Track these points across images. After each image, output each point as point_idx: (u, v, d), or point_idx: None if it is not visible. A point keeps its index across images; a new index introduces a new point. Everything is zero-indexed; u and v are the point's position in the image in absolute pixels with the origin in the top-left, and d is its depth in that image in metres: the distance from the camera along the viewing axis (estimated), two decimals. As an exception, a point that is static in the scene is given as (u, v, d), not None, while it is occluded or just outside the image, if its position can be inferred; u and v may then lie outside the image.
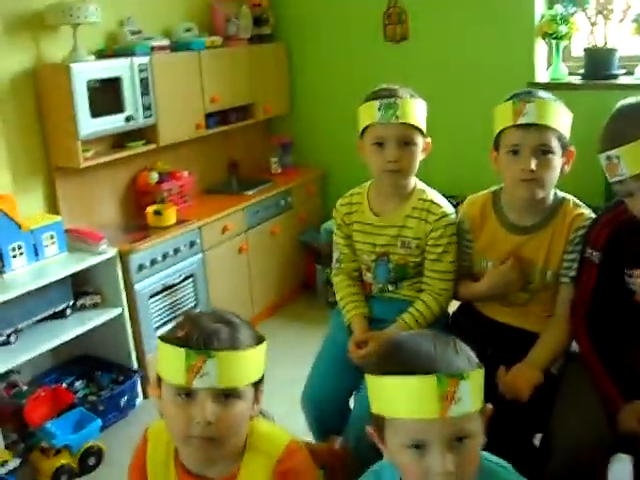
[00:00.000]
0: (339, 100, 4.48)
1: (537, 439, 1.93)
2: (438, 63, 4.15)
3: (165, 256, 3.47)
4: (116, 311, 3.27)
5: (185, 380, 1.26)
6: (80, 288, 3.29)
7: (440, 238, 2.07)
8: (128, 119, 3.41)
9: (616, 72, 3.81)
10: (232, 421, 1.30)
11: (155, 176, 3.74)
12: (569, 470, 1.68)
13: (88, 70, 3.21)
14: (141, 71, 3.45)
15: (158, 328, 3.48)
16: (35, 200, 3.35)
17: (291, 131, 4.74)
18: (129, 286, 3.31)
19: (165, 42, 3.72)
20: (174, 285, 3.56)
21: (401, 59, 4.23)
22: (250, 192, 4.12)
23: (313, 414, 2.16)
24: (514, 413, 1.72)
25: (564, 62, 3.96)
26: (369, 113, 2.06)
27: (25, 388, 3.01)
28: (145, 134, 3.62)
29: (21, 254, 3.04)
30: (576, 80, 3.89)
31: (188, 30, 3.96)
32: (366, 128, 2.10)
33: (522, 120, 1.84)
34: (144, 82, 3.47)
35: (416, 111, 2.06)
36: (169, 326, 3.47)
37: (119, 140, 3.57)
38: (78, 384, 3.31)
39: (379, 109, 2.03)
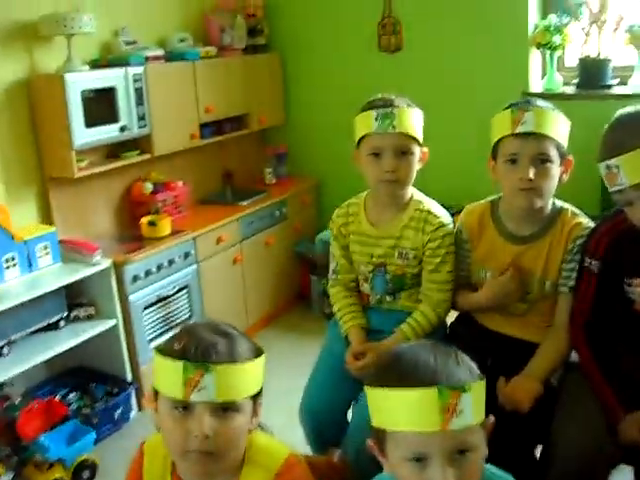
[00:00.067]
0: (334, 110, 4.48)
1: (537, 450, 1.92)
2: (432, 73, 4.16)
3: (159, 267, 3.44)
4: (110, 322, 3.25)
5: (182, 394, 1.24)
6: (74, 299, 3.26)
7: (438, 248, 2.05)
8: (122, 129, 3.40)
9: (610, 82, 3.82)
10: (230, 435, 1.28)
11: (149, 186, 3.73)
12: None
13: (82, 80, 3.20)
14: (135, 81, 3.44)
15: (152, 340, 3.45)
16: (29, 210, 3.33)
17: (286, 141, 4.73)
18: (123, 297, 3.29)
19: (160, 52, 3.71)
20: (168, 296, 3.54)
21: (395, 69, 4.23)
22: (245, 202, 4.10)
23: (311, 426, 2.14)
24: (514, 424, 1.71)
25: (558, 72, 3.97)
26: (366, 123, 2.05)
27: (18, 401, 2.97)
28: (139, 144, 3.60)
29: (14, 265, 3.02)
30: (570, 90, 3.90)
31: (182, 40, 3.95)
32: (362, 138, 2.09)
33: (520, 129, 1.83)
34: (138, 92, 3.46)
35: (413, 120, 2.05)
36: (164, 338, 3.45)
37: (113, 150, 3.55)
38: (72, 396, 3.28)
39: (376, 119, 2.02)
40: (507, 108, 1.90)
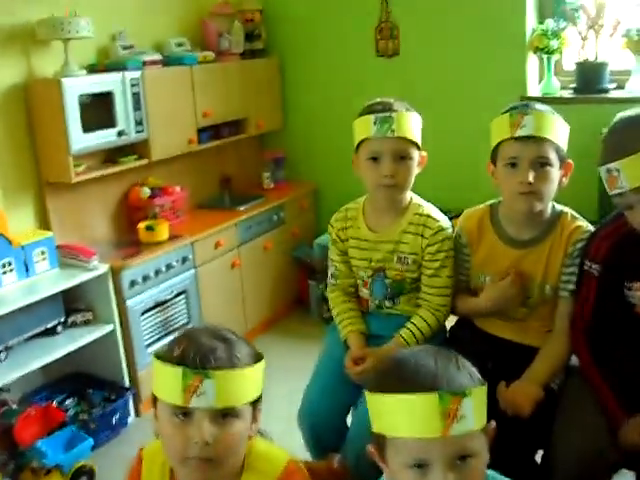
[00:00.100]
0: (331, 115, 4.48)
1: (538, 455, 1.91)
2: (430, 78, 4.16)
3: (157, 272, 3.43)
4: (108, 328, 3.23)
5: (182, 400, 1.23)
6: (71, 305, 3.25)
7: (437, 253, 2.05)
8: (120, 134, 3.39)
9: (607, 86, 3.83)
10: (230, 441, 1.27)
11: (147, 191, 3.72)
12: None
13: (79, 85, 3.19)
14: (133, 86, 3.43)
15: (150, 345, 3.44)
16: (26, 216, 3.31)
17: (283, 146, 4.73)
18: (121, 302, 3.27)
19: (157, 57, 3.70)
20: (166, 301, 3.52)
21: (393, 74, 4.23)
22: (242, 207, 4.09)
23: (310, 432, 2.12)
24: (515, 429, 1.70)
25: (555, 77, 3.98)
26: (364, 127, 2.05)
27: (15, 407, 2.95)
28: (137, 149, 3.59)
29: (11, 270, 3.01)
30: (568, 94, 3.90)
31: (180, 45, 3.94)
32: (361, 143, 2.08)
33: (520, 132, 1.83)
34: (136, 97, 3.45)
35: (412, 125, 2.04)
36: (161, 343, 3.45)
37: (111, 155, 3.54)
38: (69, 402, 3.26)
39: (374, 123, 2.01)
40: (506, 112, 1.89)
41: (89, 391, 3.30)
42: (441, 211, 2.16)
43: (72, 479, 2.82)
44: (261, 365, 1.33)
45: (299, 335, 4.16)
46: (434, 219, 2.08)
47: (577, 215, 1.97)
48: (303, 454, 2.03)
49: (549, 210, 1.95)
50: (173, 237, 3.58)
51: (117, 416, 3.23)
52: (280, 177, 4.63)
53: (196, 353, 1.25)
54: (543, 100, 3.78)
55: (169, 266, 3.50)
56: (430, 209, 2.13)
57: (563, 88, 3.98)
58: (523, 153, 1.83)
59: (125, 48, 3.60)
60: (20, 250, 3.03)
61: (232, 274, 3.95)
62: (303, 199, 4.61)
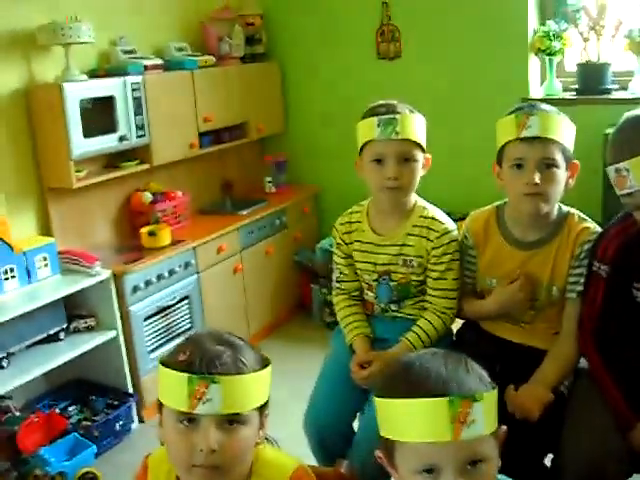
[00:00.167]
0: (333, 118, 4.48)
1: (548, 459, 1.89)
2: (431, 80, 4.15)
3: (160, 277, 3.42)
4: (110, 334, 3.22)
5: (187, 406, 1.21)
6: (74, 311, 3.23)
7: (443, 255, 2.03)
8: (121, 139, 3.37)
9: (609, 87, 3.82)
10: (237, 448, 1.24)
11: (149, 196, 3.70)
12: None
13: (81, 89, 3.18)
14: (134, 90, 3.42)
15: (153, 351, 3.42)
16: (27, 221, 3.30)
17: (285, 150, 4.71)
18: (123, 308, 3.26)
19: (158, 61, 3.70)
20: (169, 307, 3.51)
21: (395, 76, 4.23)
22: (244, 212, 4.08)
23: (316, 437, 2.10)
24: (524, 433, 1.68)
25: (557, 78, 3.96)
26: (368, 130, 2.03)
27: (18, 414, 2.94)
28: (138, 154, 3.58)
29: (13, 277, 3.00)
30: (570, 95, 3.89)
31: (180, 49, 3.94)
32: (365, 145, 2.06)
33: (525, 133, 1.81)
34: (137, 101, 3.44)
35: (416, 126, 2.03)
36: (164, 349, 3.44)
37: (112, 160, 3.53)
38: (72, 409, 3.25)
39: (378, 125, 2.00)
40: (512, 112, 1.88)
41: (92, 398, 3.28)
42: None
43: (76, 486, 2.81)
44: (268, 370, 1.31)
45: (301, 340, 4.14)
46: (439, 221, 2.07)
47: (584, 216, 1.95)
48: (306, 460, 2.00)
49: (555, 211, 1.93)
50: (175, 242, 3.56)
51: (120, 422, 3.21)
52: (282, 181, 4.61)
53: (202, 358, 1.23)
54: (545, 101, 3.76)
55: (172, 271, 3.48)
56: (435, 211, 2.11)
57: (565, 90, 3.97)
58: (529, 154, 1.82)
59: (126, 53, 3.59)
60: (22, 256, 3.02)
61: (234, 279, 3.94)
62: (305, 203, 4.59)
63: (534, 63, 4.01)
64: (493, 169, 1.97)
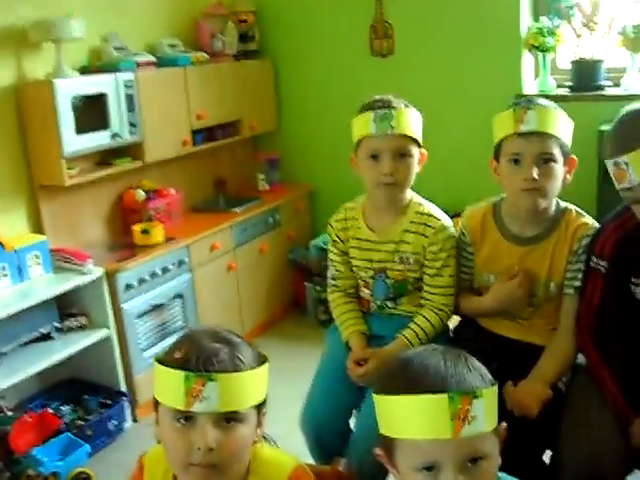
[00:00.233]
0: (326, 116, 4.46)
1: (546, 456, 1.88)
2: (425, 77, 4.14)
3: (153, 275, 3.39)
4: (103, 332, 3.19)
5: (184, 404, 1.20)
6: (66, 309, 3.21)
7: (439, 252, 2.02)
8: (114, 136, 3.35)
9: (603, 84, 3.82)
10: (235, 447, 1.23)
11: (142, 194, 3.68)
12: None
13: (72, 86, 3.15)
14: (126, 87, 3.39)
15: (146, 349, 3.40)
16: (19, 219, 3.27)
17: (278, 147, 4.69)
18: (116, 306, 3.23)
19: (150, 58, 3.67)
20: (162, 305, 3.49)
21: (388, 73, 4.21)
22: (238, 209, 4.06)
23: (313, 435, 2.09)
24: (522, 430, 1.67)
25: (550, 75, 3.96)
26: (363, 125, 2.02)
27: (10, 414, 2.92)
28: (131, 151, 3.56)
29: (5, 275, 2.97)
30: (564, 92, 3.89)
31: (173, 46, 3.91)
32: (360, 141, 2.05)
33: (523, 128, 1.80)
34: (129, 98, 3.41)
35: (412, 121, 2.02)
36: (158, 347, 3.42)
37: (104, 158, 3.50)
38: (65, 408, 3.21)
39: (374, 120, 1.98)
40: (509, 107, 1.87)
41: (85, 397, 3.26)
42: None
43: (69, 486, 2.79)
44: (265, 367, 1.29)
45: (296, 337, 4.13)
46: (436, 218, 2.05)
47: (582, 212, 1.94)
48: (302, 458, 1.99)
49: (553, 207, 1.92)
50: (168, 240, 3.54)
51: (114, 422, 3.19)
52: (275, 179, 4.59)
53: (199, 356, 1.22)
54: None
55: (165, 269, 3.46)
56: (431, 207, 2.10)
57: (558, 86, 3.96)
58: (526, 149, 1.81)
59: (118, 49, 3.56)
60: (13, 254, 2.99)
61: (228, 277, 3.92)
62: (298, 201, 4.58)
63: (528, 59, 4.00)
64: (490, 164, 1.95)
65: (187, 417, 1.21)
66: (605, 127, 3.45)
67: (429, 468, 1.12)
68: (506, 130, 1.84)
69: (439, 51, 4.08)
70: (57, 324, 3.15)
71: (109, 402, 3.24)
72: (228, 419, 1.22)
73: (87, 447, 2.91)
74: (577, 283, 1.87)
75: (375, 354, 2.00)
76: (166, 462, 1.29)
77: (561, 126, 1.84)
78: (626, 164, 1.58)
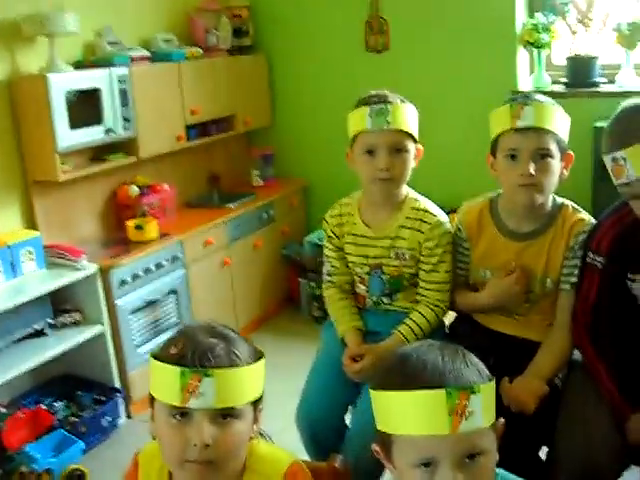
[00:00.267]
0: (321, 111, 4.45)
1: (542, 452, 1.88)
2: (420, 73, 4.12)
3: (147, 271, 3.38)
4: (97, 329, 3.17)
5: (180, 400, 1.19)
6: (60, 305, 3.19)
7: (435, 248, 2.01)
8: (108, 131, 3.33)
9: (598, 80, 3.82)
10: (231, 443, 1.22)
11: (136, 189, 3.66)
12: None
13: (66, 81, 3.13)
14: (120, 82, 3.37)
15: (140, 345, 3.39)
16: (12, 215, 3.24)
17: (272, 143, 4.68)
18: (110, 302, 3.22)
19: (145, 53, 3.65)
20: (156, 301, 3.47)
21: (383, 69, 4.20)
22: (232, 205, 4.04)
23: (308, 431, 2.08)
24: (519, 426, 1.67)
25: (545, 71, 3.96)
26: (359, 120, 2.01)
27: (3, 410, 2.90)
28: (125, 147, 3.54)
29: (-2, 271, 2.95)
30: (559, 88, 3.89)
31: (167, 41, 3.89)
32: (356, 136, 2.04)
33: (520, 123, 1.80)
34: (123, 93, 3.39)
35: (407, 116, 2.01)
36: (152, 343, 3.41)
37: (98, 153, 3.48)
38: (58, 405, 3.20)
39: (370, 115, 1.97)
40: (506, 103, 1.86)
41: (78, 393, 3.24)
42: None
43: (63, 483, 2.78)
44: (261, 363, 1.29)
45: (290, 333, 4.12)
46: (431, 214, 2.05)
47: (579, 208, 1.94)
48: (297, 454, 1.99)
49: (550, 202, 1.92)
50: (162, 236, 3.53)
51: (108, 418, 3.17)
52: (269, 174, 4.58)
53: (194, 351, 1.21)
54: (535, 94, 3.78)
55: (159, 265, 3.45)
56: (426, 203, 2.09)
57: (553, 82, 3.96)
58: (523, 144, 1.80)
59: (112, 44, 3.54)
60: (6, 250, 2.97)
61: (222, 272, 3.91)
62: (293, 197, 4.56)
63: (522, 56, 3.99)
64: (487, 160, 1.95)
65: (183, 413, 1.21)
66: (600, 124, 3.45)
67: (426, 464, 1.12)
68: (503, 125, 1.84)
69: (434, 47, 4.07)
70: (51, 320, 3.13)
71: (103, 398, 3.22)
72: (224, 415, 1.22)
73: (81, 444, 2.89)
74: (573, 279, 1.87)
75: (371, 350, 2.00)
76: (161, 459, 1.28)
77: (558, 122, 1.84)
78: (624, 159, 1.58)
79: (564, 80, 3.89)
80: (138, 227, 3.46)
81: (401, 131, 1.98)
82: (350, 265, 2.15)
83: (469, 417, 1.09)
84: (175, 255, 3.55)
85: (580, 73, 3.83)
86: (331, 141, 4.31)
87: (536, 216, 1.91)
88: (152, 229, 3.48)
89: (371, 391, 1.20)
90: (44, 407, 3.07)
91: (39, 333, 3.09)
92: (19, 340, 3.04)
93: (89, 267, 3.13)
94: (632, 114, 1.63)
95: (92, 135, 3.28)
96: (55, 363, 3.12)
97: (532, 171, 1.78)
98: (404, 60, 4.15)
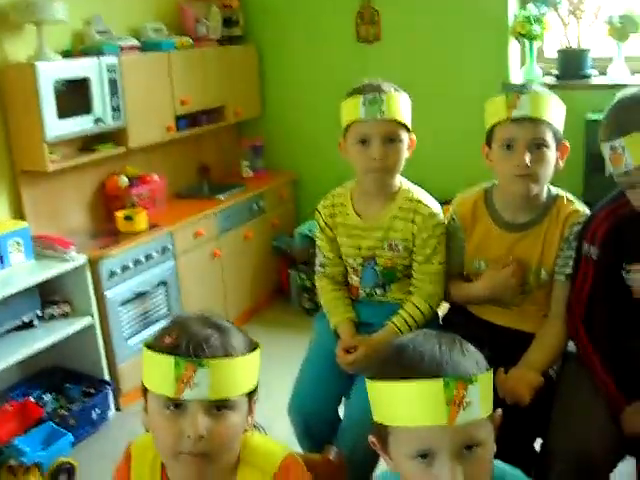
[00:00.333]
0: (311, 102, 4.42)
1: (537, 444, 1.87)
2: (411, 64, 4.10)
3: (136, 262, 3.35)
4: (86, 320, 3.15)
5: (174, 391, 1.17)
6: (48, 297, 3.15)
7: (429, 239, 2.00)
8: (97, 121, 3.29)
9: (589, 72, 3.81)
10: (225, 435, 1.20)
11: (125, 180, 3.63)
12: (574, 476, 1.62)
13: (54, 69, 3.09)
14: (109, 71, 3.33)
15: (130, 337, 3.36)
16: (-1, 205, 3.22)
17: (262, 134, 4.65)
18: (99, 294, 3.19)
19: (134, 42, 3.61)
20: (146, 292, 3.45)
21: (374, 60, 4.18)
22: (222, 196, 4.02)
23: (302, 424, 2.06)
24: (513, 417, 1.66)
25: (536, 63, 3.95)
26: (352, 109, 1.99)
27: (-9, 403, 2.88)
28: (114, 137, 3.50)
29: (-15, 262, 2.92)
30: (550, 80, 3.88)
31: (157, 30, 3.85)
32: (349, 126, 2.02)
33: (516, 113, 1.78)
34: (112, 83, 3.35)
35: (401, 106, 1.99)
36: (141, 335, 3.38)
37: (87, 143, 3.44)
38: (47, 397, 3.17)
39: (363, 104, 1.95)
40: (502, 92, 1.85)
41: (67, 386, 3.22)
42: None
43: (52, 476, 2.74)
44: (257, 354, 1.27)
45: (280, 325, 4.12)
46: (425, 205, 2.03)
47: (573, 198, 1.93)
48: (289, 446, 1.98)
49: (545, 193, 1.91)
50: (152, 227, 3.50)
51: (97, 411, 3.15)
52: (259, 166, 4.56)
53: (189, 341, 1.19)
54: (526, 86, 3.77)
55: (148, 256, 3.42)
56: (420, 193, 2.08)
57: (545, 74, 3.96)
58: (519, 134, 1.79)
59: (101, 33, 3.50)
60: (-6, 241, 2.94)
61: (212, 264, 3.89)
62: (282, 188, 4.54)
63: (514, 48, 3.98)
64: (482, 150, 1.93)
65: (177, 404, 1.19)
66: (591, 116, 3.45)
67: (424, 455, 1.10)
68: (498, 115, 1.82)
69: (426, 38, 4.05)
70: (39, 312, 3.10)
71: (92, 391, 3.20)
72: (219, 407, 1.20)
73: (70, 436, 2.87)
74: (568, 270, 1.86)
75: (364, 341, 1.98)
76: (154, 450, 1.27)
77: (554, 112, 1.83)
78: (622, 148, 1.57)
79: (555, 72, 3.89)
80: (127, 218, 3.43)
81: (395, 121, 1.97)
82: (343, 256, 2.13)
83: (467, 407, 1.08)
84: (165, 246, 3.52)
85: (571, 65, 3.82)
86: (321, 132, 4.29)
87: (531, 207, 1.90)
88: (142, 220, 3.45)
89: (367, 382, 1.18)
90: (33, 400, 3.04)
91: (27, 325, 3.06)
92: (7, 332, 3.00)
93: (78, 258, 3.10)
94: (630, 103, 1.63)
95: (81, 125, 3.24)
96: (44, 355, 3.09)
97: (528, 162, 1.77)
98: (395, 51, 4.13)
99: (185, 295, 3.67)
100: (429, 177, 3.63)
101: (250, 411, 1.28)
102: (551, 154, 1.82)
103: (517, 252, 1.91)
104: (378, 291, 2.09)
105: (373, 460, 1.85)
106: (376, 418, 1.17)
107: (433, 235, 2.00)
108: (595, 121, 3.27)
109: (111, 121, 3.38)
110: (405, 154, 2.03)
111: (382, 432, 1.17)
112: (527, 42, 3.88)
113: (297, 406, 2.07)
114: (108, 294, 3.22)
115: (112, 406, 3.27)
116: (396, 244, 2.04)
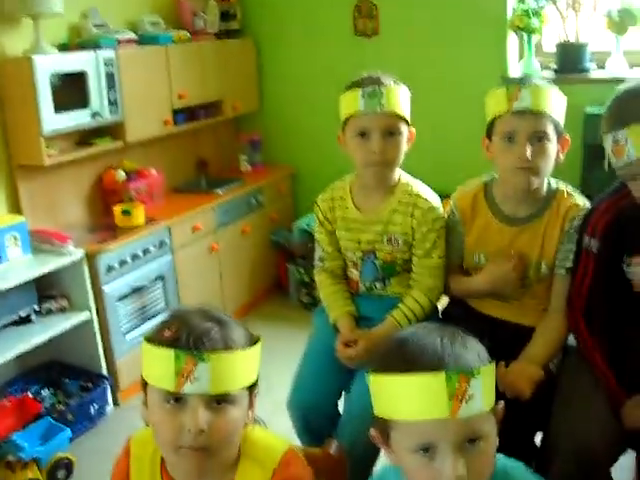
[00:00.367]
0: (309, 96, 4.41)
1: (537, 438, 1.87)
2: (409, 58, 4.09)
3: (134, 257, 3.34)
4: (84, 315, 3.14)
5: (174, 384, 1.16)
6: (46, 292, 3.14)
7: (428, 233, 1.99)
8: (94, 115, 3.27)
9: (588, 66, 3.80)
10: (225, 429, 1.19)
11: (123, 174, 3.61)
12: (575, 470, 1.61)
13: (51, 63, 3.07)
14: (107, 65, 3.31)
15: (127, 332, 3.36)
16: (-4, 200, 3.20)
17: (260, 128, 4.63)
18: (97, 288, 3.18)
19: (131, 35, 3.59)
20: (143, 287, 3.43)
21: (372, 54, 4.16)
22: (220, 190, 4.00)
23: (301, 418, 2.05)
24: (514, 411, 1.65)
25: (535, 57, 3.94)
26: (352, 102, 1.97)
27: (-11, 398, 2.86)
28: (111, 131, 3.49)
29: (-18, 257, 2.90)
30: (549, 74, 3.87)
31: (154, 24, 3.83)
32: (348, 119, 2.01)
33: (517, 106, 1.77)
34: (110, 77, 3.34)
35: (401, 99, 1.98)
36: (139, 330, 3.37)
37: (84, 137, 3.43)
38: (45, 393, 3.17)
39: (362, 97, 1.94)
40: (503, 85, 1.84)
41: (65, 381, 3.21)
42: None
43: (50, 472, 2.74)
44: (257, 348, 1.26)
45: (278, 319, 4.11)
46: (425, 198, 2.02)
47: (573, 191, 1.92)
48: (288, 440, 1.97)
49: (545, 187, 1.90)
50: (150, 221, 3.49)
51: (95, 406, 3.14)
52: (257, 160, 4.55)
53: (189, 334, 1.18)
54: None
55: (146, 251, 3.41)
56: (419, 187, 2.07)
57: (543, 68, 3.95)
58: (520, 127, 1.78)
59: (98, 26, 3.48)
60: (-9, 235, 2.92)
61: (210, 258, 3.88)
62: (281, 183, 4.53)
63: (513, 41, 3.97)
64: (482, 143, 1.92)
65: (177, 398, 1.18)
66: (590, 110, 3.45)
67: (426, 449, 1.10)
68: (500, 108, 1.81)
69: (424, 32, 4.04)
70: (36, 307, 3.09)
71: (90, 386, 3.19)
72: (219, 400, 1.19)
73: (68, 432, 2.85)
74: (568, 264, 1.85)
75: (364, 336, 1.97)
76: (154, 445, 1.26)
77: (555, 104, 1.82)
78: (625, 139, 1.56)
79: (554, 66, 3.88)
80: (125, 212, 3.42)
81: (394, 114, 1.95)
82: (342, 250, 2.13)
83: (469, 401, 1.07)
84: (162, 241, 3.51)
85: (570, 59, 3.82)
86: (319, 126, 4.28)
87: (531, 200, 1.89)
88: (139, 214, 3.44)
89: (369, 376, 1.18)
90: (30, 395, 3.02)
91: (24, 320, 3.05)
92: (4, 327, 2.99)
93: (75, 253, 3.09)
94: (632, 96, 1.62)
95: (78, 119, 3.23)
96: (41, 350, 3.07)
97: (529, 154, 1.76)
98: (394, 45, 4.12)
99: (183, 289, 3.66)
100: (428, 171, 3.64)
101: (251, 405, 1.27)
102: (552, 147, 1.81)
103: (517, 246, 1.90)
104: (378, 285, 2.08)
105: (373, 454, 1.85)
106: (377, 412, 1.17)
107: (433, 229, 1.99)
108: (594, 115, 3.27)
109: (108, 115, 3.37)
110: (405, 147, 2.02)
111: (383, 426, 1.16)
112: (525, 36, 3.87)
113: (297, 401, 2.06)
114: (106, 289, 3.21)
115: (110, 401, 3.26)
116: (395, 238, 2.03)
